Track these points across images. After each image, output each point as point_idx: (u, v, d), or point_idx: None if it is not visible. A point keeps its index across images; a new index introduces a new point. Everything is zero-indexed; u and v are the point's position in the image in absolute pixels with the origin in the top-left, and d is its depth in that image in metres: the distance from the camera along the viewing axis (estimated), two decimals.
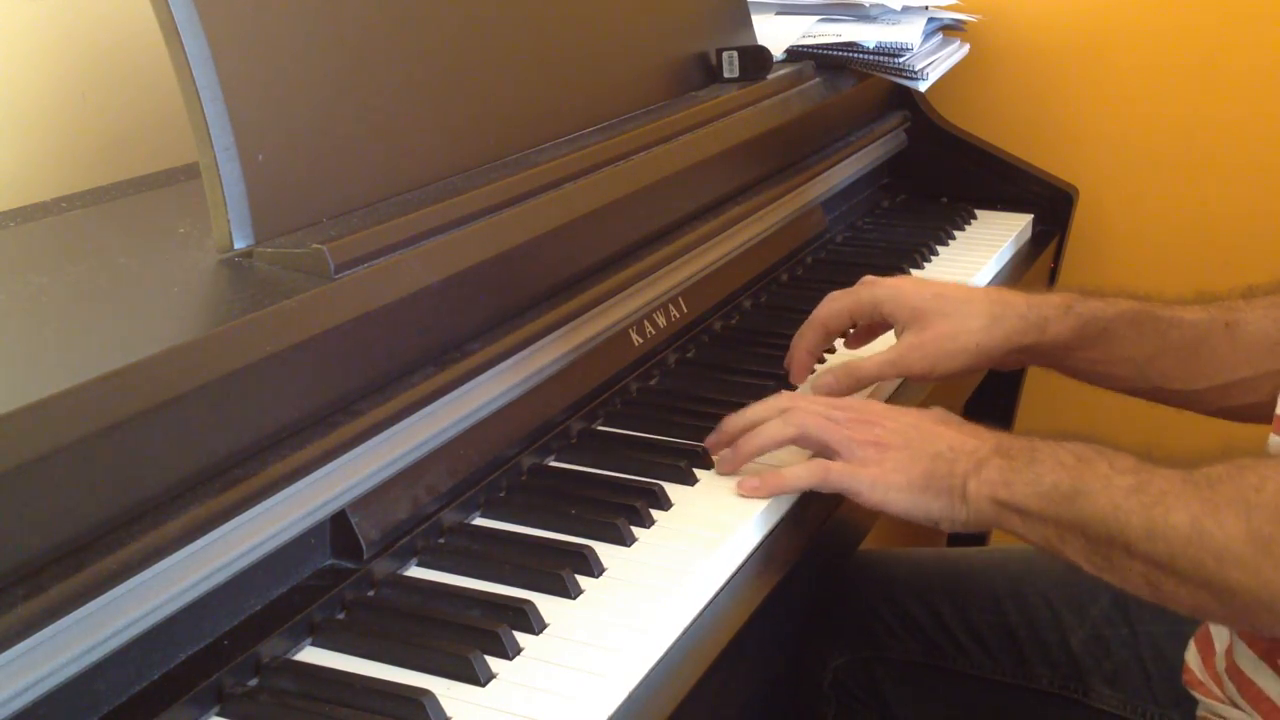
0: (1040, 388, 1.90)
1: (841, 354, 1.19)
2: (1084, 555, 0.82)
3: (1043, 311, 1.04)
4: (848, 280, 1.32)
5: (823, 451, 0.93)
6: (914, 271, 1.46)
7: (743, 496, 0.92)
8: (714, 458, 0.97)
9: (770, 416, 0.94)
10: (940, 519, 0.89)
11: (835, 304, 1.10)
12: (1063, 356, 1.05)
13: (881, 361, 1.06)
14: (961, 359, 1.05)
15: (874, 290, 1.08)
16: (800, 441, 0.94)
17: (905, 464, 0.89)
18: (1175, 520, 0.75)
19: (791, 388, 1.11)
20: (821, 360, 1.16)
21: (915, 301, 1.06)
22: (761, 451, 0.94)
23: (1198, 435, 1.82)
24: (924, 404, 1.10)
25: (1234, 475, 0.75)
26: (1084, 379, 1.08)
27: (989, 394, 1.68)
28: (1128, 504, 0.78)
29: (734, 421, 0.97)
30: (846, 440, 0.91)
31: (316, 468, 0.76)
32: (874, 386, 1.10)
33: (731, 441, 0.96)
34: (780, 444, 0.94)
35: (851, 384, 1.06)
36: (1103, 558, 0.80)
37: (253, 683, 0.73)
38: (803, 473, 0.92)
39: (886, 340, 1.12)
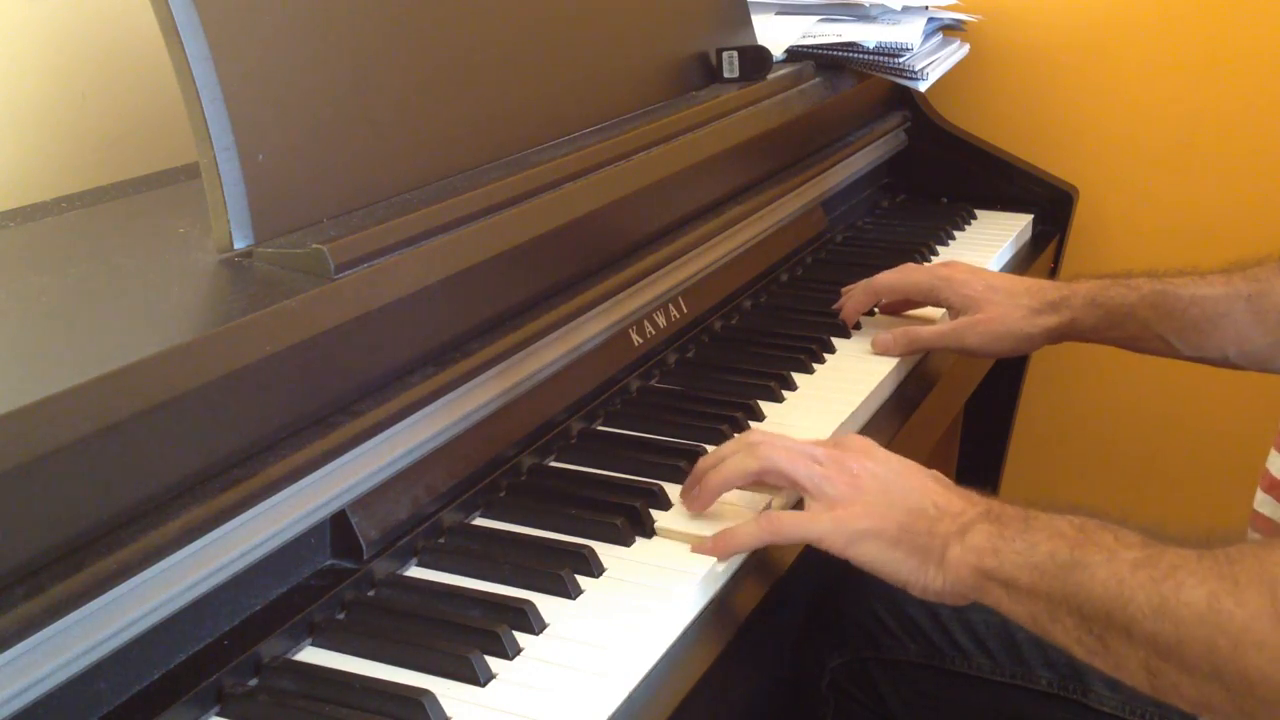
0: (1042, 380, 1.90)
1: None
2: (1075, 636, 0.74)
3: (1072, 304, 1.17)
4: (848, 281, 1.33)
5: (792, 489, 0.88)
6: None
7: (697, 553, 0.85)
8: (683, 499, 0.91)
9: (738, 451, 0.88)
10: (910, 582, 0.82)
11: (892, 278, 1.24)
12: (1096, 338, 1.18)
13: (940, 331, 1.21)
14: (1008, 343, 1.19)
15: (930, 280, 1.23)
16: (765, 476, 0.87)
17: (879, 510, 0.82)
18: (1188, 597, 0.67)
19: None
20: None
21: (967, 291, 1.20)
22: (726, 487, 0.88)
23: (1195, 427, 1.82)
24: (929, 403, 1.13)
25: (1256, 553, 0.68)
26: (1122, 348, 1.19)
27: (989, 392, 1.68)
28: (1134, 578, 0.70)
29: (704, 461, 0.91)
30: (818, 476, 0.85)
31: (316, 468, 0.76)
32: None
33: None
34: (745, 478, 0.87)
35: (908, 346, 1.21)
36: (1097, 639, 0.72)
37: (253, 683, 0.73)
38: (751, 529, 0.84)
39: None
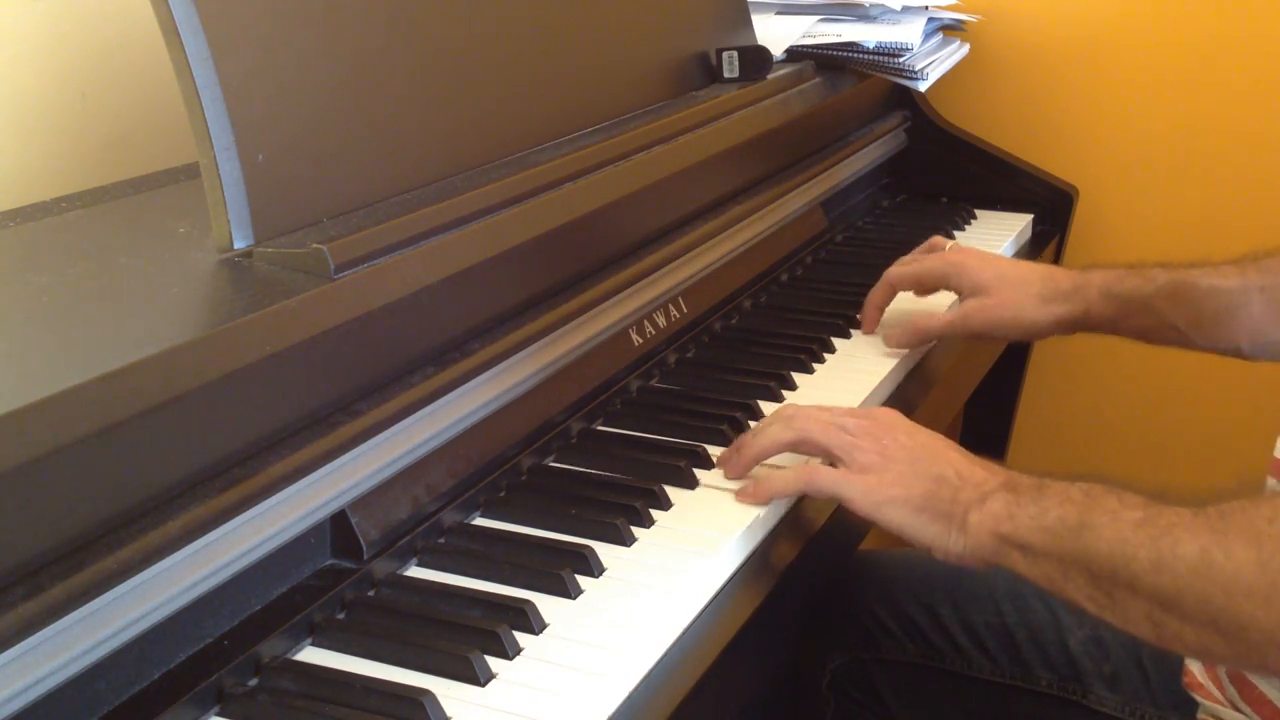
0: (1042, 381, 1.90)
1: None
2: (1086, 593, 0.79)
3: (1086, 294, 1.15)
4: (848, 281, 1.33)
5: (825, 458, 0.93)
6: None
7: (740, 503, 0.91)
8: (721, 467, 0.96)
9: (774, 423, 0.94)
10: (933, 545, 0.87)
11: (906, 269, 1.24)
12: (1110, 329, 1.17)
13: (946, 320, 1.20)
14: (1015, 330, 1.19)
15: (942, 266, 1.22)
16: (800, 446, 0.93)
17: (906, 479, 0.87)
18: (1183, 551, 0.73)
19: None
20: None
21: (978, 278, 1.19)
22: (762, 456, 0.93)
23: (1195, 430, 1.82)
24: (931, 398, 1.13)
25: (1245, 509, 0.73)
26: (1135, 339, 1.17)
27: (989, 391, 1.68)
28: (1135, 537, 0.75)
29: (745, 435, 0.97)
30: (849, 445, 0.90)
31: (316, 468, 0.76)
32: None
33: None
34: (780, 447, 0.93)
35: (915, 337, 1.21)
36: (1106, 595, 0.77)
37: (253, 683, 0.73)
38: (790, 476, 0.91)
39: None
